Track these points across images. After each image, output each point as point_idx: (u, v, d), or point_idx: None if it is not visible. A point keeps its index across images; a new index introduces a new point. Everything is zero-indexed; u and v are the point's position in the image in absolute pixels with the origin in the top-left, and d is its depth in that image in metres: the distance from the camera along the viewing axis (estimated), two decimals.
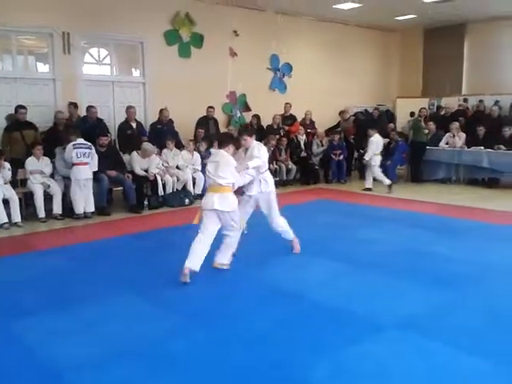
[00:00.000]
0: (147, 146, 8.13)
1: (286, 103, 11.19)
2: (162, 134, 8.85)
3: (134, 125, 8.67)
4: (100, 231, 6.57)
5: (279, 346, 3.22)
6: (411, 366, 2.95)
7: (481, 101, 12.63)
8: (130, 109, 8.69)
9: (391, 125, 11.29)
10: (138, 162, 8.02)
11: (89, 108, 8.32)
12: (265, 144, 9.72)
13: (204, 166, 8.72)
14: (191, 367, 2.99)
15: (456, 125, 10.20)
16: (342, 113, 11.83)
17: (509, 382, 2.81)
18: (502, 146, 9.24)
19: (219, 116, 10.58)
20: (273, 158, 9.90)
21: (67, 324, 3.59)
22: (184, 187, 8.54)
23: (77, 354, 3.14)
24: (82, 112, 8.50)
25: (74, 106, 8.35)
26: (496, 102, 12.13)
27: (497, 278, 4.47)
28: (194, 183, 8.64)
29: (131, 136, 8.50)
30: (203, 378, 2.88)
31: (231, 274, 4.72)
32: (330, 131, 11.24)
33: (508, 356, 3.05)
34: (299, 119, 11.21)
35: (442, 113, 12.11)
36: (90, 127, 8.10)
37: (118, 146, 8.67)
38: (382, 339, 3.30)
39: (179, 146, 9.00)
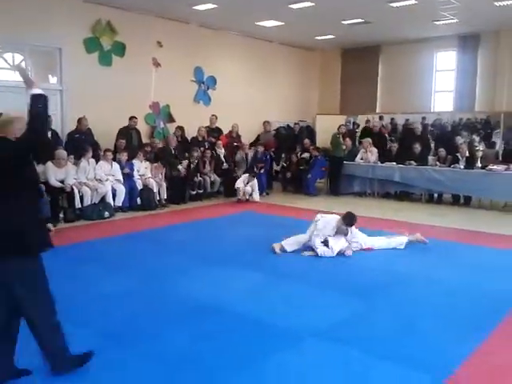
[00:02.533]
0: (61, 152, 7.80)
1: (212, 115, 11.23)
2: (80, 143, 8.53)
3: (48, 133, 8.27)
4: None
5: (199, 362, 3.19)
6: (330, 374, 3.05)
7: (392, 119, 13.49)
8: None
9: (306, 140, 11.62)
10: (53, 173, 7.66)
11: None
12: (189, 156, 9.74)
13: (125, 176, 8.57)
14: None
15: (368, 140, 10.75)
16: (264, 124, 12.05)
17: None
18: (412, 162, 9.86)
19: (142, 127, 10.39)
20: (196, 171, 9.89)
21: None
22: (103, 199, 8.26)
23: None
24: None
25: None
26: (406, 121, 12.99)
27: (404, 286, 4.75)
28: (114, 195, 8.39)
29: None
30: None
31: (147, 288, 4.63)
32: (252, 145, 11.43)
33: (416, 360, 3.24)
34: (224, 132, 11.29)
35: (358, 130, 12.74)
36: None
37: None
38: (301, 349, 3.39)
39: (98, 156, 8.72)
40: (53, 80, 9.50)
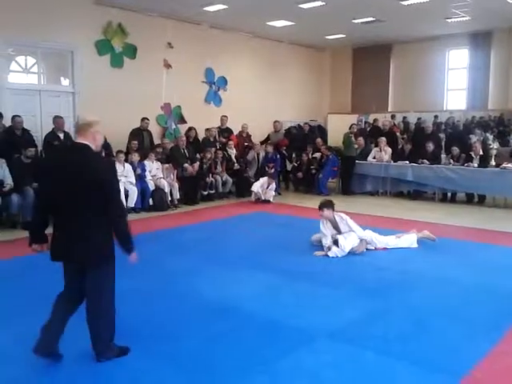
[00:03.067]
0: None
1: (223, 116, 11.25)
2: None
3: (61, 135, 8.36)
4: (22, 247, 6.21)
5: (212, 362, 3.19)
6: (344, 375, 3.03)
7: (405, 117, 13.40)
8: (57, 119, 8.39)
9: (319, 140, 11.60)
10: None
11: (14, 118, 7.92)
12: (202, 157, 9.75)
13: (137, 177, 8.61)
14: None
15: (383, 140, 10.69)
16: (275, 123, 12.05)
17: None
18: (425, 161, 9.78)
19: (154, 128, 10.45)
20: (209, 171, 9.91)
21: None
22: None
23: None
24: (8, 122, 8.09)
25: None
26: (418, 119, 12.91)
27: (418, 286, 4.70)
28: (126, 196, 8.43)
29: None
30: None
31: (159, 289, 4.64)
32: (261, 144, 11.43)
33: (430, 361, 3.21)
34: (235, 132, 11.30)
35: (368, 128, 12.67)
36: (16, 138, 7.73)
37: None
38: (315, 350, 3.36)
39: (110, 157, 8.77)
40: (65, 82, 9.59)
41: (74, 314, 3.20)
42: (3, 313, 4.04)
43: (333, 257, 5.62)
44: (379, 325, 3.79)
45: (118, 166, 8.51)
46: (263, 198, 9.63)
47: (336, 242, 5.69)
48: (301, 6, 9.78)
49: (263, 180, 9.78)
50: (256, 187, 9.64)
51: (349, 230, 5.79)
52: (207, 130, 10.64)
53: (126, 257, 4.91)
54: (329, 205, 5.85)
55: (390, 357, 3.25)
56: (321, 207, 5.80)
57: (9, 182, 7.11)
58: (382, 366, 3.13)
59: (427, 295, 4.46)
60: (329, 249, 5.68)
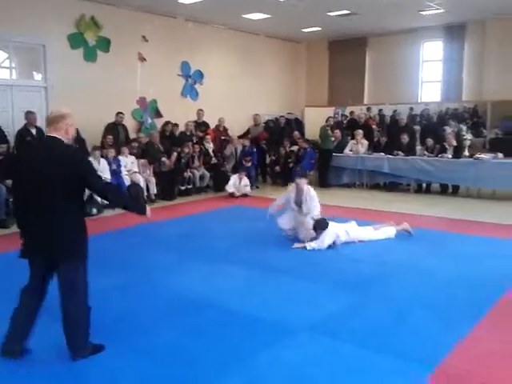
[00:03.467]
0: None
1: (199, 110, 11.18)
2: None
3: (33, 131, 8.19)
4: None
5: (189, 356, 3.18)
6: (322, 368, 3.05)
7: (380, 110, 13.51)
8: (29, 114, 8.22)
9: (296, 133, 11.65)
10: None
11: None
12: (180, 152, 9.68)
13: (113, 172, 8.49)
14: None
15: (360, 132, 10.77)
16: (254, 117, 12.05)
17: (414, 376, 2.99)
18: (400, 153, 9.89)
19: (129, 122, 10.32)
20: (187, 166, 9.85)
21: None
22: (91, 196, 8.18)
23: None
24: None
25: None
26: (394, 112, 13.03)
27: (394, 277, 4.77)
28: None
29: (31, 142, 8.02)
30: None
31: (137, 284, 4.61)
32: (240, 138, 11.42)
33: (407, 351, 3.26)
34: (212, 126, 11.24)
35: (344, 121, 12.76)
36: None
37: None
38: (293, 344, 3.38)
39: (85, 153, 8.63)
40: (37, 77, 9.38)
41: (39, 308, 3.16)
42: None
43: (310, 249, 5.65)
44: (358, 317, 3.83)
45: (93, 163, 8.40)
46: (237, 195, 9.59)
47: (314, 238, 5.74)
48: None
49: (234, 178, 9.76)
50: (230, 188, 9.62)
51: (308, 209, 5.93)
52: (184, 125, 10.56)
53: (101, 253, 4.84)
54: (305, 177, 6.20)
55: (367, 349, 3.29)
56: (300, 177, 6.07)
57: None
58: (359, 359, 3.17)
59: (404, 286, 4.53)
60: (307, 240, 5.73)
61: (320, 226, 5.72)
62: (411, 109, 13.10)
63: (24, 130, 8.16)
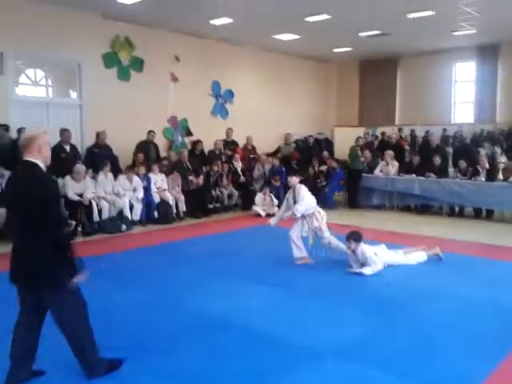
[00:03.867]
0: (79, 167, 7.90)
1: (228, 129, 11.28)
2: (99, 158, 8.62)
3: (67, 148, 8.40)
4: None
5: (211, 379, 3.13)
6: None
7: (412, 130, 13.34)
8: (64, 131, 8.44)
9: (325, 153, 11.60)
10: (71, 187, 7.74)
11: (19, 130, 7.97)
12: (209, 170, 9.77)
13: (145, 190, 8.60)
14: None
15: (390, 153, 10.63)
16: (286, 136, 12.10)
17: None
18: (432, 175, 9.70)
19: (160, 141, 10.47)
20: (215, 185, 9.90)
21: None
22: (121, 213, 8.31)
23: None
24: (14, 134, 8.14)
25: (4, 128, 7.99)
26: (426, 132, 12.83)
27: (424, 302, 4.62)
28: (131, 209, 8.42)
29: (65, 159, 8.21)
30: None
31: (161, 302, 4.61)
32: (269, 156, 11.45)
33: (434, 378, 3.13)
34: (241, 145, 11.31)
35: (375, 141, 12.64)
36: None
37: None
38: (319, 368, 3.30)
39: (117, 171, 8.80)
40: (72, 95, 9.66)
41: (35, 340, 3.05)
42: None
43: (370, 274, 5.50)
44: (385, 342, 3.71)
45: (125, 182, 8.52)
46: (263, 214, 9.52)
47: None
48: (307, 19, 9.82)
49: (259, 196, 9.78)
50: (256, 207, 9.67)
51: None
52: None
53: (127, 270, 4.85)
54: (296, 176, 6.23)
55: (394, 375, 3.18)
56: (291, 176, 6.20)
57: None
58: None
59: (434, 312, 4.37)
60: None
61: (354, 236, 5.58)
62: (444, 130, 12.89)
63: (58, 147, 8.37)
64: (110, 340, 3.72)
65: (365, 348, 3.60)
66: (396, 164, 10.51)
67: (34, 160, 2.92)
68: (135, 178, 8.64)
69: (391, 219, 9.30)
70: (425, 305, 4.55)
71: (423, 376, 3.16)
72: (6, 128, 8.03)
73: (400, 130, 13.43)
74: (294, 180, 6.09)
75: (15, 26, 8.34)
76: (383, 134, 12.63)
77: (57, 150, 8.33)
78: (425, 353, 3.51)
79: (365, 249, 5.59)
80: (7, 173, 7.29)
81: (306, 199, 5.94)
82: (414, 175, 9.95)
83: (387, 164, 10.51)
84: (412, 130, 13.47)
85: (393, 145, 11.36)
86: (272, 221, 6.30)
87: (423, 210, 9.95)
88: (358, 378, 3.15)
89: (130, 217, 8.35)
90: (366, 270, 5.46)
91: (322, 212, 6.08)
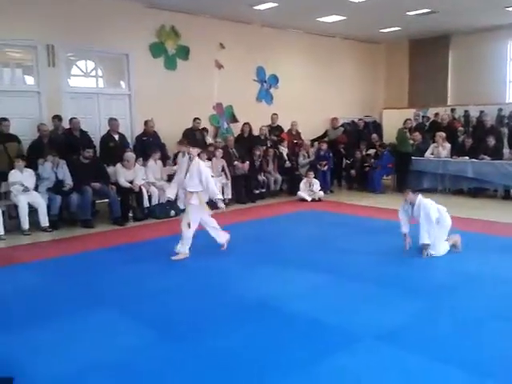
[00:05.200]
0: (129, 155, 8.12)
1: (273, 114, 11.24)
2: (148, 145, 8.84)
3: (116, 137, 8.66)
4: (83, 244, 6.51)
5: (251, 361, 3.18)
6: (387, 378, 2.94)
7: (466, 111, 12.81)
8: (112, 121, 8.70)
9: (374, 136, 11.38)
10: (122, 174, 7.99)
11: (71, 120, 8.30)
12: (251, 154, 9.82)
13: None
14: (153, 381, 2.95)
15: (442, 135, 10.28)
16: (333, 120, 11.95)
17: None
18: (486, 156, 9.31)
19: (207, 127, 10.59)
20: (260, 169, 9.95)
21: (42, 339, 3.55)
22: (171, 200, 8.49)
23: (50, 368, 3.11)
24: (67, 125, 8.49)
25: (58, 118, 8.33)
26: (481, 113, 12.29)
27: (471, 287, 4.49)
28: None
29: (114, 148, 8.48)
30: None
31: (205, 285, 4.70)
32: (315, 141, 11.35)
33: (480, 365, 3.05)
34: (285, 130, 11.27)
35: (426, 123, 12.25)
36: (75, 139, 8.12)
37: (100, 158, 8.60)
38: (359, 351, 3.29)
39: (165, 158, 9.00)
40: (121, 85, 9.92)
41: None
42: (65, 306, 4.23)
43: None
44: (428, 327, 3.64)
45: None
46: (309, 199, 9.50)
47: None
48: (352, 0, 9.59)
49: (303, 182, 9.75)
50: (301, 193, 9.64)
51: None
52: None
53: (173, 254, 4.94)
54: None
55: (436, 360, 3.12)
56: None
57: (68, 181, 7.45)
58: (427, 370, 3.01)
59: (482, 297, 4.25)
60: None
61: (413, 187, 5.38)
62: (500, 110, 12.30)
63: (107, 137, 8.66)
64: (153, 320, 3.86)
65: (407, 333, 3.55)
66: (448, 146, 10.16)
67: None
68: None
69: (443, 203, 8.99)
70: (473, 290, 4.43)
71: (469, 363, 3.08)
72: (59, 118, 8.37)
73: (453, 110, 12.94)
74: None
75: (65, 19, 8.62)
76: (436, 114, 12.20)
77: (106, 139, 8.64)
78: (470, 339, 3.43)
79: (424, 201, 5.39)
80: (62, 161, 7.64)
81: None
82: (466, 157, 9.60)
83: (438, 146, 10.19)
84: (466, 111, 12.93)
85: (445, 126, 10.98)
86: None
87: (476, 193, 9.59)
88: (398, 363, 3.11)
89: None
90: (424, 238, 5.29)
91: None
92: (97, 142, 8.88)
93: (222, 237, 5.92)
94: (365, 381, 2.92)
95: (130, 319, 3.91)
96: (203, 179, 5.60)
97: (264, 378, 2.99)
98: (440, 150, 10.13)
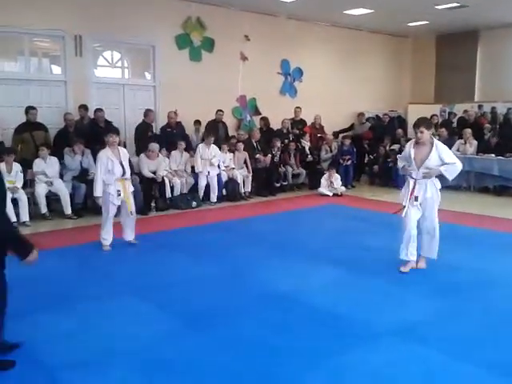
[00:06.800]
0: (154, 145, 8.19)
1: (297, 107, 11.20)
2: (171, 137, 8.91)
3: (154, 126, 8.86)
4: None
5: (272, 354, 3.20)
6: (407, 373, 2.94)
7: (493, 108, 12.54)
8: (149, 112, 8.85)
9: (399, 131, 11.25)
10: (145, 164, 8.07)
11: (96, 111, 8.40)
12: (271, 147, 9.82)
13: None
14: (179, 372, 2.98)
15: (468, 131, 10.10)
16: (359, 115, 11.85)
17: None
18: None
19: (229, 120, 10.62)
20: (281, 162, 9.95)
21: (65, 325, 3.63)
22: (191, 190, 8.60)
23: (73, 354, 3.18)
24: (93, 114, 8.61)
25: (84, 108, 8.45)
26: (508, 110, 12.03)
27: (497, 287, 4.42)
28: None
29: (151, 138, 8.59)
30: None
31: (227, 276, 4.74)
32: (340, 133, 11.28)
33: (502, 365, 3.01)
34: (309, 123, 11.21)
35: (453, 119, 12.05)
36: (100, 130, 8.22)
37: (135, 149, 8.70)
38: (379, 347, 3.28)
39: (190, 149, 9.07)
40: (147, 76, 9.99)
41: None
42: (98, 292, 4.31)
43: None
44: (449, 325, 3.61)
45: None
46: (330, 195, 9.45)
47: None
48: None
49: (325, 178, 9.69)
50: (322, 188, 9.58)
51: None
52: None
53: (197, 244, 5.03)
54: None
55: (455, 358, 3.10)
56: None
57: (93, 170, 7.55)
58: (446, 368, 3.00)
59: (503, 297, 4.18)
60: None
61: (426, 123, 4.66)
62: None
63: (143, 125, 8.69)
64: (176, 310, 3.91)
65: (427, 330, 3.53)
66: (475, 143, 9.99)
67: None
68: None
69: (467, 200, 8.89)
70: (494, 290, 4.37)
71: (485, 362, 3.05)
72: (86, 108, 8.48)
73: (480, 107, 12.68)
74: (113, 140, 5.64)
75: (93, 10, 8.71)
76: (465, 111, 11.99)
77: (145, 129, 8.68)
78: (492, 339, 3.39)
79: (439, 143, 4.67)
80: (87, 151, 7.77)
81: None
82: (492, 155, 9.42)
83: (465, 143, 10.02)
84: (493, 108, 12.66)
85: (471, 123, 10.78)
86: None
87: (501, 192, 9.42)
88: (418, 359, 3.10)
89: (213, 196, 8.67)
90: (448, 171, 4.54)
91: None
92: (122, 131, 8.97)
93: None
94: (385, 376, 2.92)
95: (153, 307, 3.98)
96: None
97: (284, 368, 3.01)
98: (467, 146, 9.97)
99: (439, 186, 4.73)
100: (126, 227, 5.80)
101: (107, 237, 5.66)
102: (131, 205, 5.71)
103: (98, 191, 5.54)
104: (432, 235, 4.82)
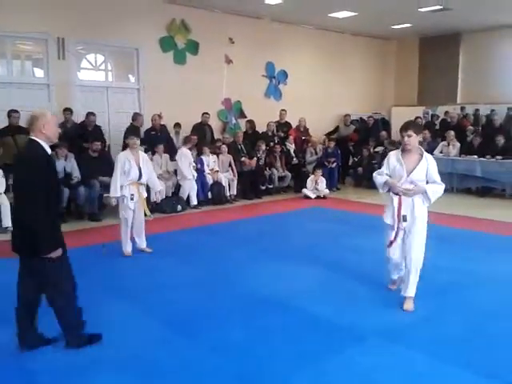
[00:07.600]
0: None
1: (282, 110, 11.22)
2: (157, 140, 8.86)
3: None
4: (88, 237, 6.55)
5: (260, 357, 3.20)
6: (392, 376, 2.95)
7: (477, 110, 12.71)
8: (137, 115, 8.84)
9: (383, 133, 11.34)
10: None
11: (88, 115, 8.32)
12: (256, 150, 9.84)
13: (198, 171, 8.78)
14: (167, 376, 2.97)
15: (451, 133, 10.22)
16: (345, 116, 11.95)
17: None
18: (497, 156, 9.24)
19: (214, 123, 10.60)
20: (266, 165, 9.96)
21: (51, 332, 3.58)
22: (176, 193, 8.55)
23: (57, 360, 3.14)
24: (76, 118, 8.52)
25: (69, 111, 8.36)
26: (491, 111, 12.19)
27: (480, 288, 4.47)
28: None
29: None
30: None
31: (214, 280, 4.72)
32: (330, 135, 11.34)
33: (488, 367, 3.04)
34: (294, 126, 11.24)
35: (437, 122, 12.17)
36: (87, 133, 8.17)
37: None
38: (365, 350, 3.29)
39: (173, 152, 9.02)
40: (131, 79, 9.93)
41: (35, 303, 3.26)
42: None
43: None
44: (433, 327, 3.64)
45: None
46: (313, 197, 9.48)
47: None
48: None
49: (310, 180, 9.72)
50: (306, 191, 9.61)
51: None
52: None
53: (183, 248, 4.98)
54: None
55: (441, 360, 3.12)
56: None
57: (76, 174, 7.50)
58: (432, 369, 3.02)
59: (486, 297, 4.24)
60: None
61: (415, 127, 4.02)
62: (509, 109, 12.18)
63: (131, 129, 8.54)
64: (162, 315, 3.89)
65: (412, 332, 3.55)
66: (457, 145, 10.11)
67: (35, 138, 3.09)
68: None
69: (450, 202, 8.96)
70: (477, 290, 4.42)
71: (471, 363, 3.08)
72: (71, 111, 8.40)
73: (462, 109, 12.84)
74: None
75: (75, 13, 8.63)
76: (446, 113, 12.13)
77: (133, 133, 8.57)
78: (476, 340, 3.43)
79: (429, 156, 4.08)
80: (70, 154, 7.69)
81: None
82: (475, 156, 9.54)
83: (448, 145, 10.13)
84: (476, 110, 12.83)
85: (454, 125, 10.90)
86: None
87: (484, 193, 9.54)
88: (404, 361, 3.12)
89: (194, 199, 8.59)
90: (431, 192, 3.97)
91: None
92: (106, 135, 8.92)
93: None
94: (373, 378, 2.93)
95: (139, 312, 3.94)
96: None
97: (269, 372, 3.01)
98: (450, 148, 10.08)
99: (427, 203, 4.05)
100: (135, 235, 5.70)
101: (127, 246, 5.62)
102: (146, 209, 5.69)
103: (113, 191, 5.51)
104: (411, 270, 4.00)
